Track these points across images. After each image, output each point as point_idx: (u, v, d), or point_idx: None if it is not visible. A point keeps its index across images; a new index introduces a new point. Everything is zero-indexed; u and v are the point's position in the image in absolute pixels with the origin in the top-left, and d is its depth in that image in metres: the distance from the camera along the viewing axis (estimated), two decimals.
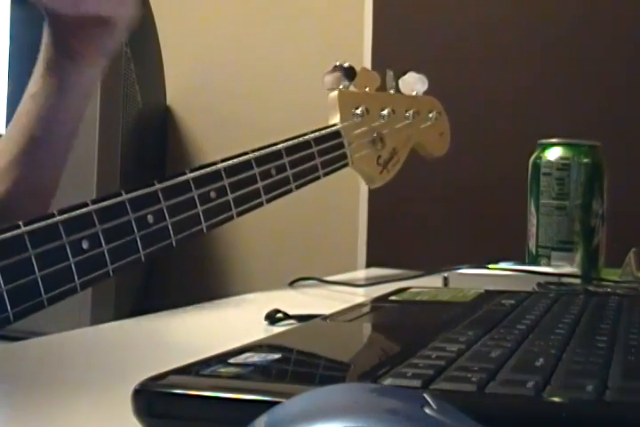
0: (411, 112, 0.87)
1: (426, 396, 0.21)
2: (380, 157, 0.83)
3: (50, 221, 0.46)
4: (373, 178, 0.85)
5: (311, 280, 0.86)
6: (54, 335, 0.58)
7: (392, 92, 0.86)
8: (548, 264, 0.85)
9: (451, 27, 1.44)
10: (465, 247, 1.38)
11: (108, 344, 0.57)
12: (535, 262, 0.87)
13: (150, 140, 1.70)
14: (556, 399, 0.29)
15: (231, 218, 0.64)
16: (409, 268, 0.89)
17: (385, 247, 1.49)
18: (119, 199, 0.52)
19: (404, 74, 0.87)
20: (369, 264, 1.43)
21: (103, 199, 0.51)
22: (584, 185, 0.86)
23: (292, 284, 0.86)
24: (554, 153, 0.87)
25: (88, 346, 0.57)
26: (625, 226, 1.07)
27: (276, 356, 0.36)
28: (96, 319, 1.34)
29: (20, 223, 0.44)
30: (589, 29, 1.37)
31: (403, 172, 1.50)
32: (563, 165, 0.87)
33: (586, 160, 0.87)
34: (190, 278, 1.74)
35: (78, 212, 0.48)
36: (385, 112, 0.83)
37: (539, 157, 0.88)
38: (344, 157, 0.78)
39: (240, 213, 0.65)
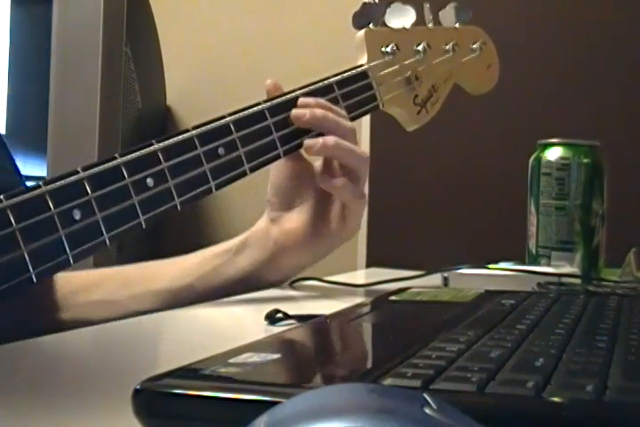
0: (450, 45, 0.80)
1: (426, 396, 0.21)
2: (416, 96, 0.77)
3: (35, 192, 0.44)
4: (410, 119, 0.78)
5: (311, 280, 0.85)
6: (54, 335, 0.57)
7: (431, 26, 0.80)
8: (548, 264, 0.85)
9: None
10: (465, 247, 1.38)
11: (108, 344, 0.57)
12: (535, 262, 0.87)
13: (150, 140, 1.70)
14: (556, 399, 0.29)
15: (244, 174, 0.60)
16: (409, 268, 0.89)
17: (385, 247, 1.49)
18: (113, 164, 0.49)
19: (445, 6, 0.81)
20: (369, 264, 1.43)
21: (96, 165, 0.48)
22: (584, 185, 0.86)
23: (292, 284, 0.86)
24: (554, 153, 0.87)
25: (88, 346, 0.57)
26: (625, 226, 1.07)
27: (276, 356, 0.36)
28: None
29: (2, 197, 0.42)
30: (589, 29, 1.37)
31: (403, 172, 1.50)
32: (563, 165, 0.87)
33: (586, 160, 0.87)
34: None
35: (66, 180, 0.46)
36: (420, 48, 0.77)
37: (539, 157, 0.88)
38: (373, 98, 0.73)
39: (253, 169, 0.61)
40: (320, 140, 0.68)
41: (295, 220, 0.74)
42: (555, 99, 1.39)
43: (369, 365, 0.40)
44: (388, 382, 0.31)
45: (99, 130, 1.40)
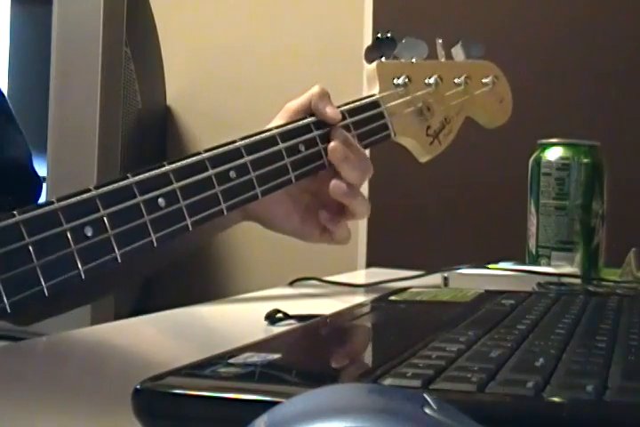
0: (462, 78, 0.81)
1: (426, 396, 0.21)
2: (429, 127, 0.78)
3: (48, 208, 0.45)
4: (422, 150, 0.79)
5: (311, 280, 0.86)
6: (54, 335, 0.58)
7: (443, 60, 0.81)
8: (548, 264, 0.85)
9: (449, 24, 1.44)
10: (465, 247, 1.38)
11: (108, 344, 0.57)
12: (535, 262, 0.87)
13: (150, 140, 1.70)
14: (555, 399, 0.29)
15: (255, 197, 0.61)
16: (409, 268, 0.89)
17: (385, 247, 1.49)
18: (124, 183, 0.50)
19: (457, 42, 0.82)
20: (369, 264, 1.43)
21: (107, 184, 0.49)
22: (584, 185, 0.86)
23: (291, 284, 0.86)
24: (554, 153, 0.87)
25: (88, 346, 0.57)
26: (625, 226, 1.07)
27: (276, 356, 0.36)
28: (96, 319, 1.34)
29: (15, 212, 0.43)
30: (589, 29, 1.37)
31: (403, 172, 1.50)
32: (563, 165, 0.87)
33: (586, 160, 0.87)
34: (190, 278, 1.74)
35: (79, 198, 0.47)
36: (431, 80, 0.77)
37: (539, 157, 0.88)
38: (385, 127, 0.74)
39: (265, 192, 0.62)
40: (344, 187, 0.70)
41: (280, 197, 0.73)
42: (555, 99, 1.39)
43: (369, 365, 0.40)
44: (388, 382, 0.31)
45: (99, 130, 1.40)
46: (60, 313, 0.68)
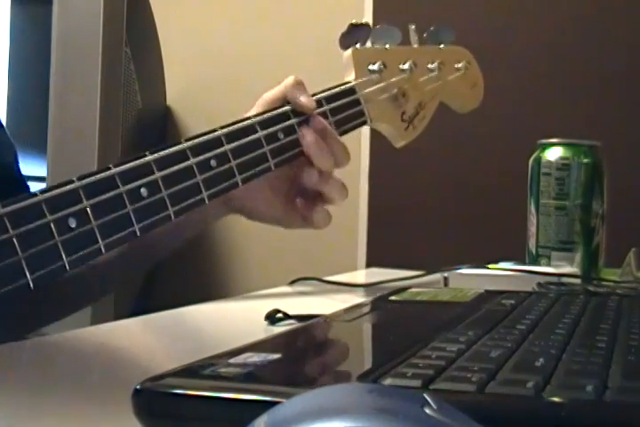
0: (435, 64, 0.82)
1: (426, 396, 0.21)
2: (404, 113, 0.79)
3: (32, 200, 0.45)
4: (397, 135, 0.79)
5: (311, 280, 0.85)
6: (54, 335, 0.58)
7: (416, 46, 0.81)
8: (548, 264, 0.85)
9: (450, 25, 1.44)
10: (465, 247, 1.38)
11: (107, 344, 0.57)
12: (535, 262, 0.87)
13: (150, 140, 1.70)
14: (556, 399, 0.29)
15: (236, 185, 0.61)
16: (409, 268, 0.89)
17: (385, 247, 1.49)
18: (107, 174, 0.50)
19: (429, 28, 0.83)
20: (369, 264, 1.43)
21: (90, 175, 0.49)
22: (584, 185, 0.86)
23: (291, 284, 0.86)
24: (554, 153, 0.87)
25: (88, 346, 0.57)
26: (625, 226, 1.07)
27: (276, 356, 0.36)
28: (96, 319, 1.34)
29: None
30: (590, 29, 1.37)
31: (403, 172, 1.50)
32: (563, 165, 0.87)
33: (586, 160, 0.87)
34: (190, 278, 1.74)
35: (62, 189, 0.47)
36: (406, 66, 0.78)
37: (539, 157, 0.88)
38: (361, 114, 0.75)
39: (245, 180, 0.62)
40: (316, 175, 0.70)
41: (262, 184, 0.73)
42: (555, 99, 1.39)
43: (369, 365, 0.40)
44: (387, 382, 0.31)
45: (99, 130, 1.40)
46: (50, 323, 0.68)
